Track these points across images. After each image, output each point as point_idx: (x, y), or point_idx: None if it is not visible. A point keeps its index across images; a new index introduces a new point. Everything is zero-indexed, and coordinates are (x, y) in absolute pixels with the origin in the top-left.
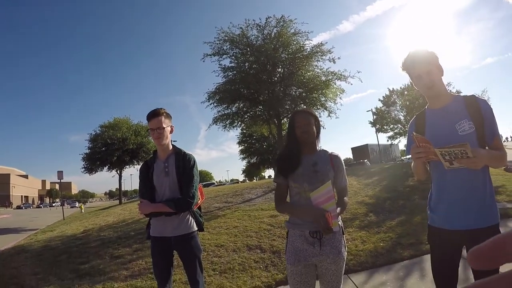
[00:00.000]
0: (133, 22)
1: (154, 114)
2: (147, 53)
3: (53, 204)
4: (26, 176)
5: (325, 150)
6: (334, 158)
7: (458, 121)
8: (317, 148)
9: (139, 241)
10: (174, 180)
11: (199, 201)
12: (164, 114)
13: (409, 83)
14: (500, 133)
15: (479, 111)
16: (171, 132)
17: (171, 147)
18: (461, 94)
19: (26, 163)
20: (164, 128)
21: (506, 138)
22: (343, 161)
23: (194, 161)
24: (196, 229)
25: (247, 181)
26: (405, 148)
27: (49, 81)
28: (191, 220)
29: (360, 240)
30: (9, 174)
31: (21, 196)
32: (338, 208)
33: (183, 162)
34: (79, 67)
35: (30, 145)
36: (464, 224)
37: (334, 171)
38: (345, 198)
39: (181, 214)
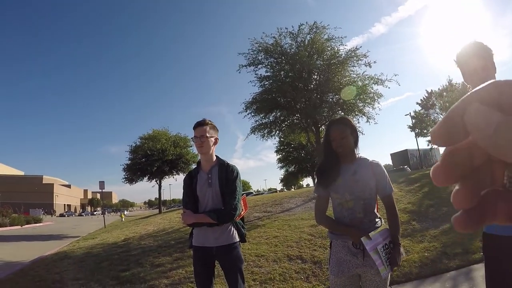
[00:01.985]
0: (169, 34)
1: (200, 124)
2: (180, 66)
3: (95, 213)
4: (68, 186)
5: (366, 158)
6: (375, 166)
7: None
8: (356, 156)
9: (179, 250)
10: (217, 191)
11: (242, 212)
12: (210, 124)
13: (447, 84)
14: None
15: None
16: (215, 143)
17: (214, 158)
18: None
19: (69, 173)
20: (207, 137)
21: None
22: (384, 169)
23: (237, 173)
24: (238, 240)
25: (285, 190)
26: None
27: (88, 94)
28: (233, 230)
29: (404, 249)
30: (53, 183)
31: (64, 204)
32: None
33: (226, 174)
34: (118, 82)
35: (72, 156)
36: None
37: (376, 179)
38: (394, 212)
39: (223, 225)
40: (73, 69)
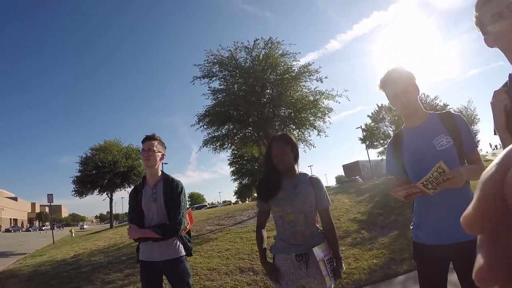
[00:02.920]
0: (122, 40)
1: (148, 138)
2: (135, 74)
3: (43, 228)
4: (15, 199)
5: (305, 173)
6: (314, 180)
7: (435, 136)
8: (297, 171)
9: (130, 266)
10: (161, 206)
11: (188, 226)
12: (158, 140)
13: None
14: (490, 142)
15: (455, 126)
16: (161, 159)
17: (160, 173)
18: (437, 112)
19: (15, 185)
20: (154, 151)
21: (496, 146)
22: (323, 183)
23: (182, 188)
24: (184, 253)
25: (240, 202)
26: None
27: (36, 101)
28: (179, 244)
29: (353, 258)
30: None
31: (10, 219)
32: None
33: (171, 189)
34: (67, 87)
35: (19, 166)
36: (451, 238)
37: (315, 193)
38: (331, 225)
39: (168, 239)
40: (23, 75)
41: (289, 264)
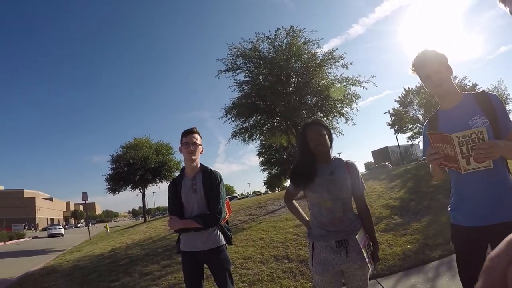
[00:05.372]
0: (151, 40)
1: (192, 131)
2: (162, 71)
3: (78, 225)
4: (50, 199)
5: (340, 159)
6: (349, 166)
7: (471, 117)
8: (331, 157)
9: (167, 258)
10: (201, 197)
11: (226, 216)
12: (199, 133)
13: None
14: None
15: (491, 106)
16: (201, 152)
17: (199, 165)
18: (472, 92)
19: (50, 186)
20: (198, 144)
21: None
22: (358, 169)
23: (220, 178)
24: (225, 242)
25: (269, 192)
26: None
27: (70, 104)
28: (219, 234)
29: (387, 243)
30: (34, 197)
31: (47, 218)
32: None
33: (210, 179)
34: (99, 91)
35: (53, 168)
36: (489, 219)
37: (351, 179)
38: (367, 210)
39: (209, 229)
40: (51, 81)
41: (329, 250)
